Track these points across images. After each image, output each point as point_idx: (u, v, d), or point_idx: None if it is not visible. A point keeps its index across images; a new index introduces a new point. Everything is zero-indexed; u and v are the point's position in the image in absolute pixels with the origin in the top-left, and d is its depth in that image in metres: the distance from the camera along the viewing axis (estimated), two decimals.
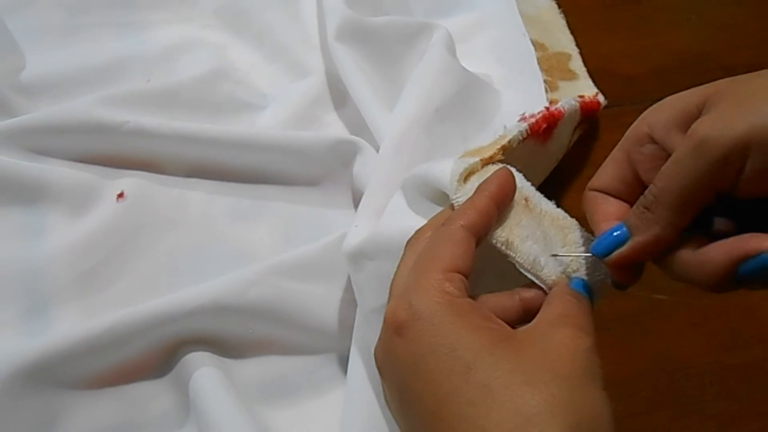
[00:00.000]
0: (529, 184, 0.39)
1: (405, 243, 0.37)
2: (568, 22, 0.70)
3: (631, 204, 0.34)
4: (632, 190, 0.35)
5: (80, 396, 0.46)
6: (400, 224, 0.42)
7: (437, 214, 0.39)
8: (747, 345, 0.52)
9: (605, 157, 0.36)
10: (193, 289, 0.48)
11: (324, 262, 0.51)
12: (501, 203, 0.36)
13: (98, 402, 0.46)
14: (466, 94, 0.57)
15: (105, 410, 0.46)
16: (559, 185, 0.58)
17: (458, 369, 0.29)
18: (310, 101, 0.64)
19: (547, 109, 0.51)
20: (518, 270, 0.36)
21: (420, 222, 0.38)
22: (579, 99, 0.57)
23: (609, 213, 0.35)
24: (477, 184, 0.37)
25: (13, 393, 0.44)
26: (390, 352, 0.32)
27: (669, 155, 0.31)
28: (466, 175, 0.39)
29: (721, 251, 0.30)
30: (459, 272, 0.33)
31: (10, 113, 0.59)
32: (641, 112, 0.35)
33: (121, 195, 0.55)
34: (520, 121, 0.48)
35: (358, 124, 0.59)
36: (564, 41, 0.68)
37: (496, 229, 0.36)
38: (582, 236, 0.37)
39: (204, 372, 0.47)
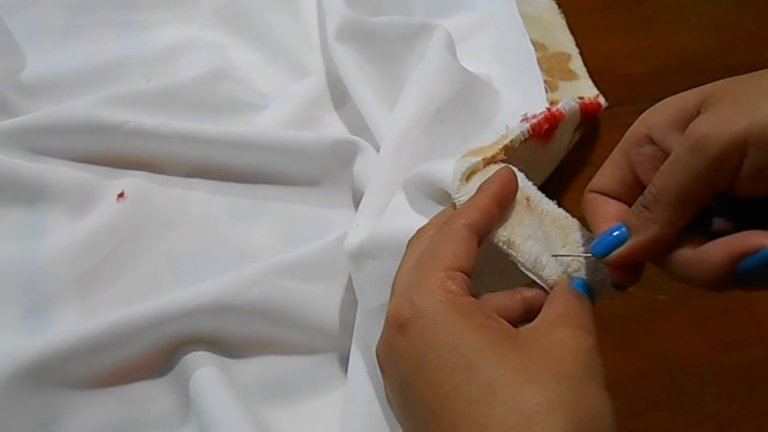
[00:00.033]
0: (530, 183, 0.39)
1: (406, 242, 0.37)
2: (568, 22, 0.70)
3: (631, 205, 0.34)
4: (631, 192, 0.35)
5: (80, 395, 0.46)
6: (402, 223, 0.42)
7: (439, 213, 0.39)
8: (747, 345, 0.52)
9: (605, 158, 0.36)
10: (193, 288, 0.48)
11: (324, 262, 0.51)
12: (503, 202, 0.36)
13: (98, 401, 0.46)
14: (466, 94, 0.57)
15: (105, 410, 0.46)
16: (559, 186, 0.58)
17: (460, 367, 0.29)
18: (310, 101, 0.64)
19: (549, 109, 0.51)
20: (520, 269, 0.36)
21: (422, 221, 0.39)
22: (579, 100, 0.57)
23: (608, 214, 0.35)
24: (479, 184, 0.37)
25: (13, 392, 0.44)
26: (392, 350, 0.32)
27: (668, 156, 0.31)
28: (468, 175, 0.39)
29: (720, 249, 0.30)
30: (461, 271, 0.33)
31: (11, 113, 0.59)
32: (641, 113, 0.35)
33: (121, 195, 0.55)
34: (522, 121, 0.48)
35: (358, 124, 0.59)
36: (564, 41, 0.68)
37: (498, 228, 0.36)
38: (583, 236, 0.37)
39: (204, 372, 0.47)
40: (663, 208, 0.31)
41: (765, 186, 0.30)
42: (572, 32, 0.69)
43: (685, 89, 0.33)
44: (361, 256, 0.45)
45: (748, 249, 0.29)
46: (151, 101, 0.60)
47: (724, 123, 0.29)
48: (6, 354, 0.45)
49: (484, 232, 0.35)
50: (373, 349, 0.34)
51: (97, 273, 0.52)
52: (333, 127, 0.63)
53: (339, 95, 0.64)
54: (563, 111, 0.52)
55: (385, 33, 0.62)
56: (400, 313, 0.32)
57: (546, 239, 0.36)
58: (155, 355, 0.48)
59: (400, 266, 0.36)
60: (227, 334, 0.49)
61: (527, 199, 0.38)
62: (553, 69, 0.64)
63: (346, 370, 0.48)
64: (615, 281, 0.35)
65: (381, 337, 0.33)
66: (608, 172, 0.36)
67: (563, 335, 0.31)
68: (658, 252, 0.32)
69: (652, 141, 0.33)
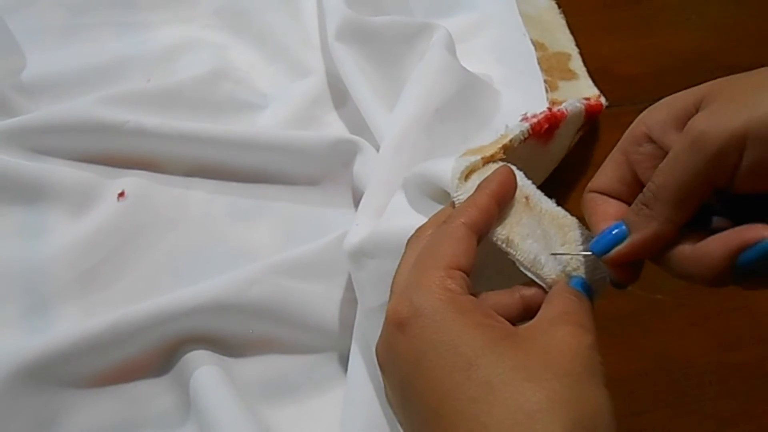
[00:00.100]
0: (529, 182, 0.39)
1: (406, 241, 0.37)
2: (568, 22, 0.70)
3: (630, 204, 0.34)
4: (631, 191, 0.35)
5: (81, 395, 0.46)
6: (401, 222, 0.42)
7: (438, 212, 0.39)
8: (746, 344, 0.52)
9: (605, 157, 0.36)
10: (193, 288, 0.48)
11: (324, 261, 0.51)
12: (502, 201, 0.36)
13: (99, 400, 0.46)
14: (466, 94, 0.57)
15: (106, 409, 0.46)
16: (559, 185, 0.58)
17: (460, 366, 0.29)
18: (310, 101, 0.64)
19: (550, 109, 0.51)
20: (518, 268, 0.36)
21: (421, 220, 0.39)
22: (584, 101, 0.57)
23: (608, 213, 0.35)
24: (478, 182, 0.37)
25: (14, 391, 0.44)
26: (391, 349, 0.32)
27: (667, 154, 0.31)
28: (467, 173, 0.39)
29: (719, 243, 0.30)
30: (460, 269, 0.33)
31: (11, 113, 0.59)
32: (641, 113, 0.35)
33: (121, 194, 0.55)
34: (521, 120, 0.48)
35: (358, 124, 0.59)
36: (564, 41, 0.68)
37: (497, 227, 0.36)
38: (582, 235, 0.37)
39: (204, 371, 0.47)
40: (663, 206, 0.31)
41: (764, 182, 0.30)
42: (572, 32, 0.69)
43: (685, 89, 0.33)
44: (360, 255, 0.45)
45: (747, 242, 0.29)
46: (151, 101, 0.60)
47: (722, 119, 0.29)
48: (6, 353, 0.45)
49: (483, 231, 0.35)
50: (373, 349, 0.34)
51: (98, 272, 0.52)
52: (333, 127, 0.63)
53: (339, 95, 0.64)
54: (564, 111, 0.52)
55: (385, 33, 0.62)
56: (399, 312, 0.32)
57: (545, 238, 0.36)
58: (155, 355, 0.48)
59: (399, 265, 0.36)
60: (227, 334, 0.49)
61: (526, 197, 0.38)
62: (553, 69, 0.64)
63: (346, 370, 0.48)
64: (614, 279, 0.35)
65: (380, 336, 0.33)
66: (607, 172, 0.36)
67: (562, 333, 0.31)
68: (658, 249, 0.32)
69: (651, 140, 0.33)
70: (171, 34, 0.68)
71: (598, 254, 0.34)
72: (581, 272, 0.36)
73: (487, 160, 0.40)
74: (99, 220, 0.54)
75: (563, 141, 0.56)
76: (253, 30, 0.69)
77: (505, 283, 0.36)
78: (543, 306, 0.34)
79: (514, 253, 0.36)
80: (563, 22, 0.70)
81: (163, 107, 0.60)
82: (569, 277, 0.36)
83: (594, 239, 0.34)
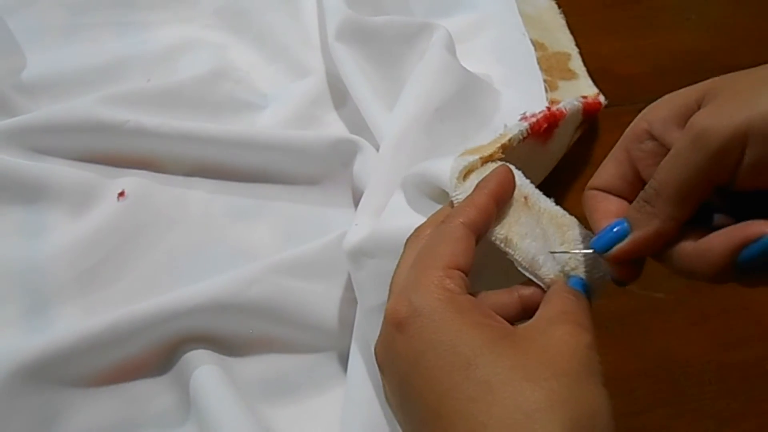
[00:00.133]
0: (528, 181, 0.39)
1: (405, 241, 0.37)
2: (568, 22, 0.70)
3: (631, 202, 0.34)
4: (632, 188, 0.34)
5: (81, 394, 0.46)
6: (400, 222, 0.42)
7: (437, 212, 0.39)
8: (746, 343, 0.52)
9: (605, 157, 0.36)
10: (193, 287, 0.48)
11: (324, 261, 0.51)
12: (500, 200, 0.36)
13: (99, 400, 0.46)
14: (466, 94, 0.57)
15: (106, 408, 0.46)
16: (558, 185, 0.58)
17: (458, 365, 0.29)
18: (310, 101, 0.64)
19: (548, 109, 0.51)
20: (517, 267, 0.36)
21: (420, 220, 0.39)
22: (582, 100, 0.57)
23: (609, 211, 0.35)
24: (476, 182, 0.37)
25: (14, 391, 0.44)
26: (390, 349, 0.32)
27: (668, 151, 0.31)
28: (466, 173, 0.39)
29: (721, 239, 0.30)
30: (459, 269, 0.33)
31: (11, 113, 0.59)
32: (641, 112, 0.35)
33: (121, 194, 0.55)
34: (520, 120, 0.48)
35: (358, 124, 0.60)
36: (564, 41, 0.68)
37: (496, 226, 0.36)
38: (581, 234, 0.37)
39: (204, 370, 0.47)
40: (664, 203, 0.31)
41: (765, 179, 0.30)
42: (572, 32, 0.69)
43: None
44: (360, 255, 0.45)
45: (748, 237, 0.29)
46: (151, 101, 0.60)
47: (724, 116, 0.29)
48: (6, 352, 0.45)
49: (481, 231, 0.35)
50: (372, 348, 0.34)
51: (98, 272, 0.52)
52: (333, 127, 0.63)
53: (339, 95, 0.64)
54: (563, 110, 0.52)
55: (385, 33, 0.62)
56: (398, 311, 0.32)
57: (544, 237, 0.36)
58: (155, 354, 0.48)
59: (398, 265, 0.36)
60: (227, 333, 0.49)
61: (525, 197, 0.38)
62: (552, 69, 0.64)
63: (345, 369, 0.48)
64: (615, 277, 0.35)
65: (379, 335, 0.33)
66: (609, 169, 0.35)
67: (561, 333, 0.31)
68: (660, 247, 0.32)
69: (652, 137, 0.33)
70: (171, 34, 0.68)
71: (599, 252, 0.34)
72: (580, 272, 0.36)
73: (486, 160, 0.40)
74: (99, 220, 0.54)
75: (562, 140, 0.56)
76: (253, 30, 0.69)
77: (504, 282, 0.36)
78: (541, 305, 0.34)
79: (513, 252, 0.36)
80: (563, 22, 0.70)
81: (163, 107, 0.60)
82: (568, 276, 0.36)
83: (595, 236, 0.34)
